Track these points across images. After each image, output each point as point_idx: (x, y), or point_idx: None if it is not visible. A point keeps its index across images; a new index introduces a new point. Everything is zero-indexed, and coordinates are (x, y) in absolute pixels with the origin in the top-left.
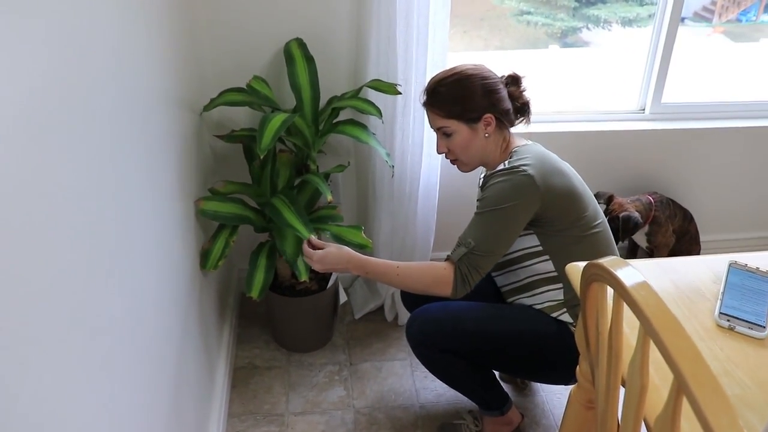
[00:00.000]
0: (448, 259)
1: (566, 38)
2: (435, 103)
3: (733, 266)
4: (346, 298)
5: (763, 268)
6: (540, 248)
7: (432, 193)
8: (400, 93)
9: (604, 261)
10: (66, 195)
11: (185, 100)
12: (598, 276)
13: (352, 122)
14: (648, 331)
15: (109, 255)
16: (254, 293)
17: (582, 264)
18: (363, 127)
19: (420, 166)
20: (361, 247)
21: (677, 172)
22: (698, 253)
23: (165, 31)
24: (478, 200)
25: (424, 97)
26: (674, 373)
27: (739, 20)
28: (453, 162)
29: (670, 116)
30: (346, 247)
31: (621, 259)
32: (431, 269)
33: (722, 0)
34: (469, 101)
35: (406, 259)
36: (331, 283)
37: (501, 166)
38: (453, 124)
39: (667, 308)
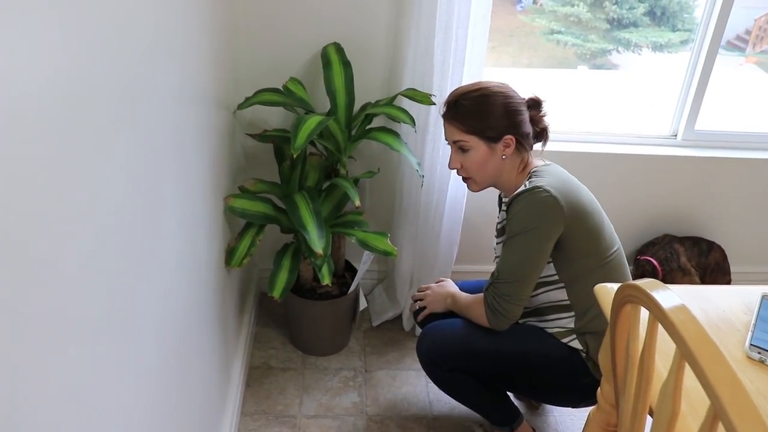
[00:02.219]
0: (484, 291)
1: (595, 60)
2: (456, 116)
3: (766, 298)
4: (365, 305)
5: None
6: (555, 277)
7: (459, 206)
8: (435, 103)
9: (641, 283)
10: (101, 186)
11: (220, 98)
12: (633, 297)
13: (384, 129)
14: (685, 354)
15: (138, 248)
16: (276, 293)
17: (613, 286)
18: (395, 134)
19: (449, 179)
20: (385, 254)
21: (706, 200)
22: (727, 284)
23: (205, 30)
24: (499, 224)
25: (444, 109)
26: (711, 399)
27: None
28: (465, 180)
29: (702, 143)
30: (445, 283)
31: (658, 281)
32: (474, 306)
33: (757, 30)
34: (491, 119)
35: (427, 269)
36: (353, 287)
37: (522, 188)
38: (471, 140)
39: (705, 333)
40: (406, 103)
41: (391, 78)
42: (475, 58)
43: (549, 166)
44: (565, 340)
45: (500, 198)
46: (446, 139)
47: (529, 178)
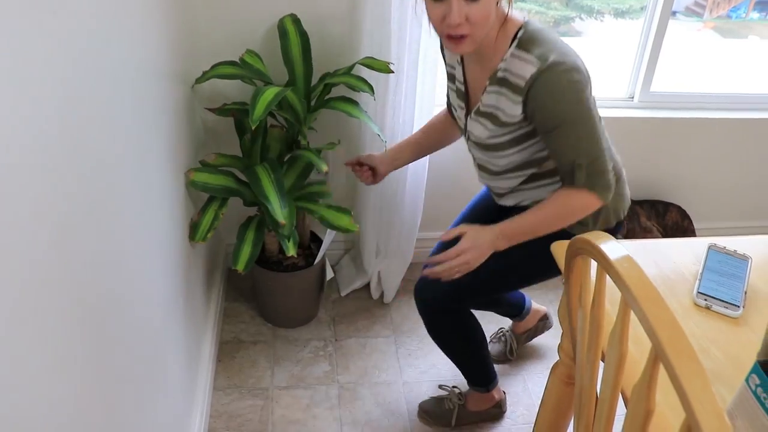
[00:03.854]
0: (570, 186)
1: (558, 27)
2: None
3: (712, 249)
4: (332, 275)
5: (740, 251)
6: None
7: (421, 173)
8: (393, 71)
9: (589, 235)
10: (56, 162)
11: (177, 72)
12: (582, 250)
13: (344, 99)
14: (629, 300)
15: (97, 226)
16: (240, 266)
17: (566, 242)
18: (355, 103)
19: None
20: (346, 232)
21: (665, 160)
22: None
23: (160, 5)
24: (483, 107)
25: None
26: (652, 341)
27: (729, 16)
28: (459, 38)
29: (658, 105)
30: (477, 227)
31: (606, 234)
32: (570, 202)
33: None
34: None
35: (393, 238)
36: (318, 259)
37: (533, 64)
38: None
39: (648, 279)
40: (364, 72)
41: (350, 48)
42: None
43: (542, 30)
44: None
45: (462, 62)
46: None
47: (521, 42)
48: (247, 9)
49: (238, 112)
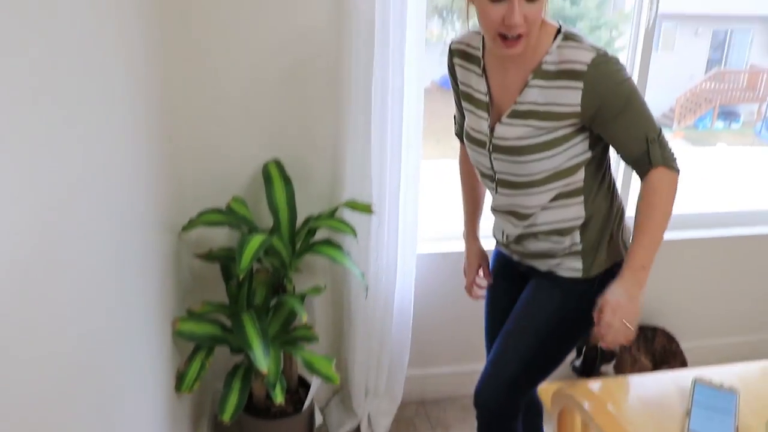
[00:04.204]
0: (651, 168)
1: None
2: None
3: (698, 383)
4: (321, 420)
5: (726, 384)
6: (586, 156)
7: (406, 312)
8: (374, 212)
9: (573, 391)
10: (42, 316)
11: (164, 221)
12: (567, 403)
13: (328, 242)
14: None
15: (84, 380)
16: (226, 417)
17: (552, 386)
18: (338, 247)
19: (394, 285)
20: (327, 380)
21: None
22: (683, 364)
23: (146, 158)
24: (521, 105)
25: None
26: None
27: (696, 126)
28: (516, 38)
29: None
30: (615, 290)
31: (587, 388)
32: (663, 187)
33: (679, 108)
34: None
35: (382, 377)
36: (306, 404)
37: (588, 55)
38: None
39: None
40: (347, 214)
41: (333, 190)
42: (411, 163)
43: (573, 28)
44: (567, 241)
45: (483, 67)
46: None
47: (567, 36)
48: (232, 155)
49: (224, 258)
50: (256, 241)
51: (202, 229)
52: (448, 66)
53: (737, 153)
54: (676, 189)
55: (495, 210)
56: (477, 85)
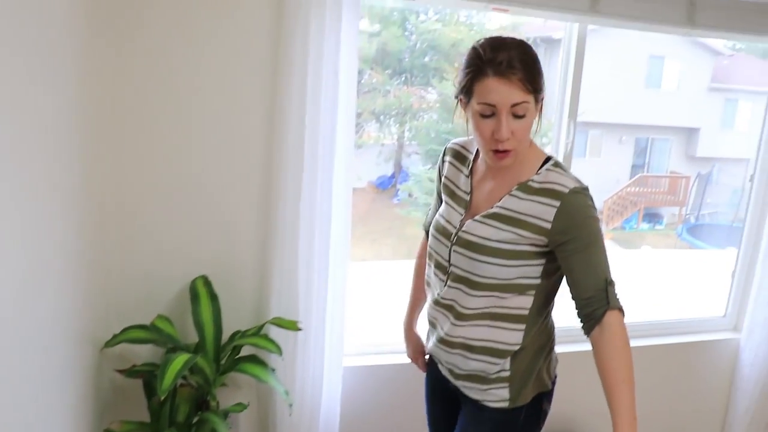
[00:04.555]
0: (608, 308)
1: None
2: (524, 71)
3: None
4: None
5: None
6: (537, 281)
7: (332, 427)
8: (301, 329)
9: None
10: None
11: (86, 335)
12: None
13: (253, 359)
14: None
15: None
16: None
17: None
18: (263, 365)
19: (320, 400)
20: None
21: (579, 395)
22: None
23: (72, 273)
24: (502, 209)
25: (514, 65)
26: None
27: (623, 228)
28: (504, 153)
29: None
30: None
31: None
32: (621, 333)
33: (607, 210)
34: (541, 75)
35: None
36: None
37: (572, 183)
38: (530, 102)
39: None
40: (274, 330)
41: (260, 306)
42: (338, 279)
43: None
44: (498, 365)
45: (470, 170)
46: (497, 102)
47: (556, 164)
48: (160, 271)
49: (147, 374)
50: (179, 361)
51: (125, 344)
52: (439, 161)
53: (661, 256)
54: (626, 334)
55: (437, 303)
56: (461, 184)
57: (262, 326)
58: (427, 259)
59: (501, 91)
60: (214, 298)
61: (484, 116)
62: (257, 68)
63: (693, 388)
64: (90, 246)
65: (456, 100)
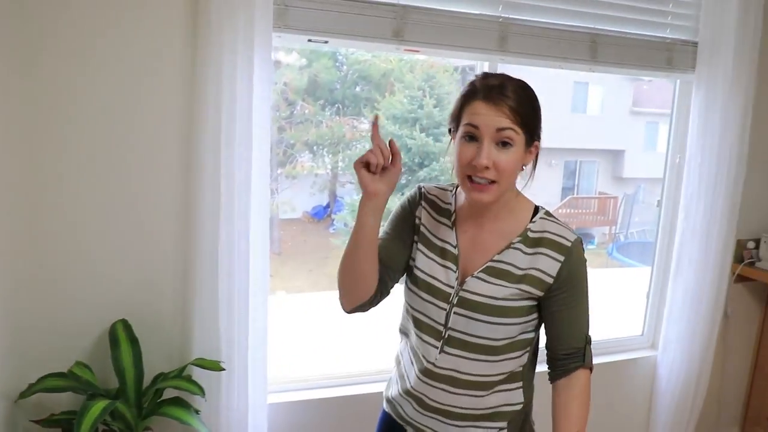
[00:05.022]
0: (582, 366)
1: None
2: (511, 100)
3: None
4: None
5: None
6: (531, 335)
7: None
8: (224, 369)
9: None
10: None
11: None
12: None
13: (176, 401)
14: None
15: None
16: None
17: None
18: (186, 407)
19: None
20: None
21: None
22: None
23: None
24: (498, 263)
25: (505, 93)
26: None
27: None
28: (484, 186)
29: None
30: None
31: None
32: (586, 391)
33: None
34: (537, 113)
35: None
36: None
37: (568, 233)
38: (519, 134)
39: None
40: (198, 371)
41: (182, 347)
42: (259, 317)
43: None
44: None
45: (454, 221)
46: (483, 125)
47: (549, 214)
48: (77, 317)
49: (65, 423)
50: (96, 408)
51: (43, 393)
52: (413, 201)
53: (593, 276)
54: (590, 392)
55: (428, 374)
56: (439, 233)
57: (184, 368)
58: (403, 329)
59: (487, 113)
60: (134, 341)
61: (466, 139)
62: (172, 114)
63: (616, 405)
64: (3, 293)
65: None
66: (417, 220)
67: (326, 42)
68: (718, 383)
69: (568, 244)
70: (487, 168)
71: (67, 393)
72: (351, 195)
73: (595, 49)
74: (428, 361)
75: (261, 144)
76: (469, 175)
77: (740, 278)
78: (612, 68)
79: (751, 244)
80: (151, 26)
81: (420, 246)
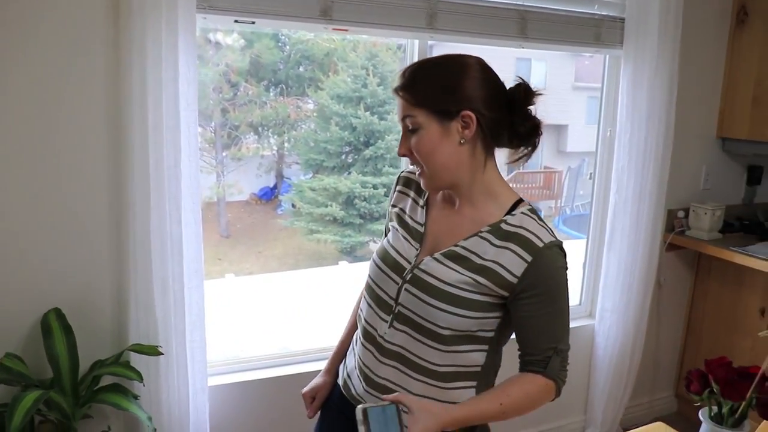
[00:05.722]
0: (542, 373)
1: (356, 252)
2: (408, 86)
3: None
4: None
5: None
6: (491, 335)
7: None
8: (162, 353)
9: None
10: None
11: None
12: None
13: (114, 387)
14: None
15: None
16: None
17: None
18: (124, 392)
19: (188, 422)
20: None
21: None
22: None
23: None
24: (463, 250)
25: (399, 81)
26: None
27: None
28: (421, 173)
29: None
30: (424, 416)
31: None
32: (536, 394)
33: None
34: (454, 89)
35: None
36: None
37: (548, 237)
38: (420, 115)
39: None
40: (137, 357)
41: (119, 333)
42: (194, 304)
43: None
44: None
45: (426, 201)
46: (399, 118)
47: (533, 211)
48: (7, 307)
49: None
50: (29, 399)
51: None
52: (392, 192)
53: None
54: (537, 407)
55: (377, 348)
56: (414, 213)
57: (120, 354)
58: (363, 289)
59: (398, 105)
60: (68, 330)
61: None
62: (98, 99)
63: None
64: None
65: None
66: (392, 209)
67: (253, 23)
68: (653, 348)
69: (539, 245)
70: (406, 155)
71: (1, 389)
72: (298, 176)
73: (524, 26)
74: (378, 335)
75: (189, 127)
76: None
77: (671, 247)
78: (541, 44)
79: (680, 214)
80: (72, 10)
81: (393, 224)
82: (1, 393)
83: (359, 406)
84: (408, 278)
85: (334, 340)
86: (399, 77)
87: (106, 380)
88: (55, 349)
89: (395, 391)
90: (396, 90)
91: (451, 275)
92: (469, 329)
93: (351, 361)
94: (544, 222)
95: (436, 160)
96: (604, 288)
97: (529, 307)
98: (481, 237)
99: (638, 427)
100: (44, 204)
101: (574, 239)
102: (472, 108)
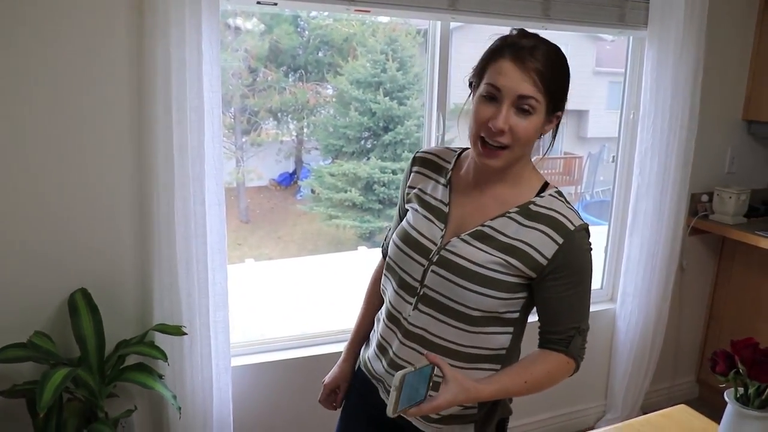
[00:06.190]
0: (564, 351)
1: (375, 238)
2: (544, 73)
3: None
4: None
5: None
6: (516, 315)
7: (226, 426)
8: (186, 333)
9: None
10: None
11: None
12: None
13: (139, 367)
14: None
15: None
16: None
17: None
18: (149, 371)
19: (212, 401)
20: None
21: None
22: None
23: None
24: (494, 232)
25: (535, 55)
26: None
27: None
28: (495, 148)
29: None
30: (455, 387)
31: None
32: (557, 372)
33: None
34: (567, 90)
35: None
36: None
37: (573, 216)
38: (542, 103)
39: None
40: (161, 337)
41: (143, 314)
42: (218, 286)
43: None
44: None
45: (448, 179)
46: (504, 86)
47: (560, 193)
48: (35, 286)
49: (29, 392)
50: (57, 376)
51: (4, 364)
52: (405, 174)
53: None
54: (556, 383)
55: (401, 330)
56: (435, 193)
57: (145, 334)
58: (384, 270)
59: (512, 76)
60: (94, 310)
61: (485, 99)
62: (122, 82)
63: None
64: None
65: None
66: (411, 189)
67: (275, 4)
68: (675, 333)
69: (571, 227)
70: (502, 132)
71: (28, 363)
72: (317, 161)
73: (547, 7)
74: (403, 317)
75: (213, 108)
76: (482, 136)
77: (695, 231)
78: (565, 26)
79: (704, 198)
80: None
81: (413, 205)
82: (29, 370)
83: (399, 372)
84: (435, 260)
85: (352, 323)
86: (526, 52)
87: (130, 360)
88: (82, 328)
89: None
90: (517, 59)
91: (480, 256)
92: (496, 310)
93: (373, 341)
94: (571, 205)
95: (524, 146)
96: (626, 272)
97: (556, 288)
98: (509, 217)
99: None
100: (71, 186)
101: (594, 225)
102: (563, 108)
